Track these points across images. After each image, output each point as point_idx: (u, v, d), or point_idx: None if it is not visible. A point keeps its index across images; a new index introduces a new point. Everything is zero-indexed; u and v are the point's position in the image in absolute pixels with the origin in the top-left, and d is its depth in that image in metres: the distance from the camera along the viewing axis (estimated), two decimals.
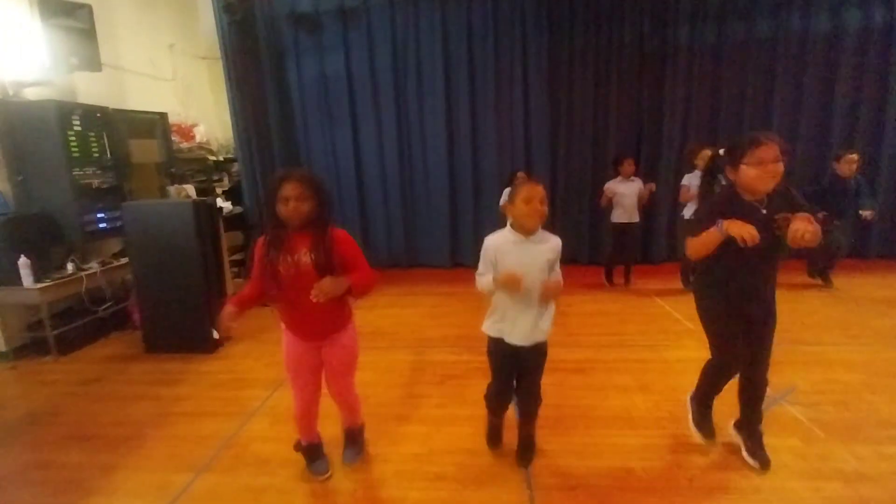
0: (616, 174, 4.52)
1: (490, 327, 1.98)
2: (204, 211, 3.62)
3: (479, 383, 2.11)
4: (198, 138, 5.49)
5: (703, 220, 1.83)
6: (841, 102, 5.05)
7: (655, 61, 5.14)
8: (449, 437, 2.37)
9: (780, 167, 1.73)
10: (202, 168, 5.58)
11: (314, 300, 1.69)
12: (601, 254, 5.36)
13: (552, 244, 1.86)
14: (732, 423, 2.17)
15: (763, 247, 1.67)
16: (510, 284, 1.76)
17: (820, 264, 4.37)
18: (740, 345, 1.96)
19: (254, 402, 2.83)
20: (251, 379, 3.15)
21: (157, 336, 3.63)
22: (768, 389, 2.02)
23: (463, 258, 5.77)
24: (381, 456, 2.25)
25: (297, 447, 2.17)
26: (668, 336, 3.52)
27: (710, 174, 2.26)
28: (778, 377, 2.69)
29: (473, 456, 2.21)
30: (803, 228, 1.59)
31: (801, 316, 3.76)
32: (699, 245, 1.82)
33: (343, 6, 5.32)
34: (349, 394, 2.12)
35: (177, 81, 5.35)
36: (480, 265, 1.92)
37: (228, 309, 1.81)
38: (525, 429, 2.14)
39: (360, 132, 5.69)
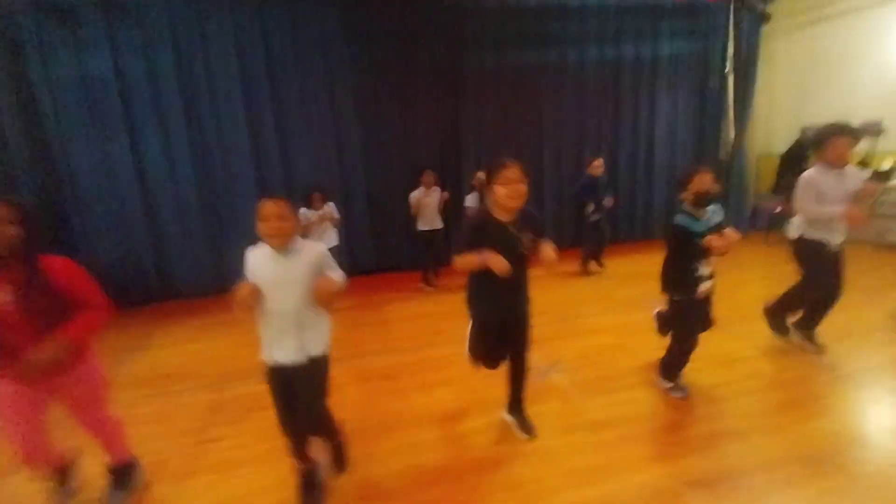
0: (419, 185, 4.82)
1: (263, 353, 1.87)
2: None
3: None
4: None
5: (463, 241, 2.05)
6: (591, 119, 6.28)
7: (452, 80, 5.64)
8: (240, 482, 2.16)
9: (523, 187, 2.01)
10: None
11: (29, 377, 1.52)
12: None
13: (311, 254, 1.81)
14: (504, 409, 2.47)
15: (514, 263, 1.96)
16: (241, 301, 1.68)
17: (590, 253, 5.30)
18: (495, 347, 2.31)
19: None
20: None
21: None
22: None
23: None
24: None
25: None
26: None
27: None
28: (548, 351, 3.19)
29: (266, 494, 2.06)
30: (550, 255, 2.02)
31: (567, 296, 4.54)
32: (464, 264, 2.04)
33: None
34: (103, 427, 1.92)
35: None
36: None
37: None
38: (328, 446, 2.08)
39: (140, 143, 4.90)
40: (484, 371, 2.42)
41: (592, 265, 5.31)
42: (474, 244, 2.02)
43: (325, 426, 2.00)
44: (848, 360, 2.94)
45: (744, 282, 4.65)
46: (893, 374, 2.76)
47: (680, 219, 2.38)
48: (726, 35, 6.20)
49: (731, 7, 5.99)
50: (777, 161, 6.65)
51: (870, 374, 2.77)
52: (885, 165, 5.56)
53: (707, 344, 2.71)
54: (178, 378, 3.31)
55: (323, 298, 1.76)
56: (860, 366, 2.86)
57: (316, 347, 1.86)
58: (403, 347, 3.58)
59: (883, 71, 5.61)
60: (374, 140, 5.55)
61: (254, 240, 1.80)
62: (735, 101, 6.29)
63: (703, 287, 2.43)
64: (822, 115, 6.33)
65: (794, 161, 6.47)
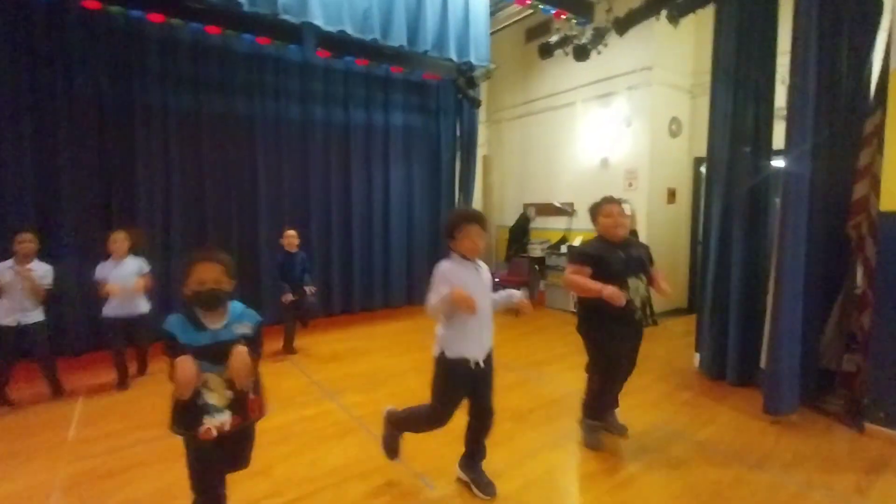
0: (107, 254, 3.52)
1: None
2: None
3: None
4: None
5: None
6: (317, 182, 5.77)
7: (122, 121, 4.54)
8: None
9: None
10: None
11: None
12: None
13: None
14: None
15: None
16: None
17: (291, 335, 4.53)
18: None
19: None
20: None
21: None
22: None
23: None
24: None
25: None
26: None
27: None
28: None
29: None
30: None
31: None
32: None
33: None
34: None
35: None
36: None
37: None
38: None
39: None
40: None
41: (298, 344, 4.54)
42: None
43: None
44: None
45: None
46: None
47: (171, 322, 1.64)
48: (454, 114, 6.56)
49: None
50: (508, 233, 7.21)
51: None
52: (576, 242, 6.31)
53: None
54: None
55: None
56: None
57: None
58: None
59: (573, 159, 6.50)
60: None
61: None
62: (461, 175, 6.60)
63: (210, 423, 1.63)
64: (537, 194, 7.15)
65: (518, 234, 7.07)
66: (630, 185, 5.86)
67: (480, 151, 7.55)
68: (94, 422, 3.08)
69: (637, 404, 3.29)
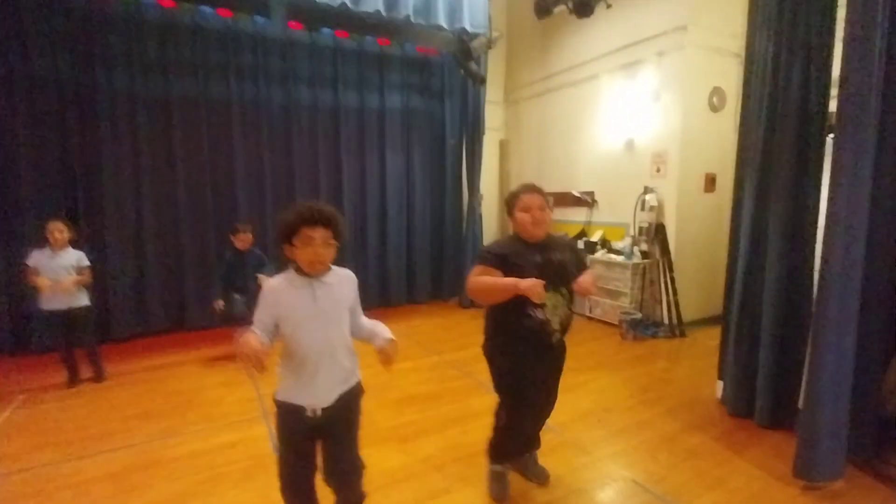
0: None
1: None
2: None
3: None
4: None
5: None
6: (303, 171, 5.36)
7: (85, 106, 4.32)
8: None
9: None
10: None
11: None
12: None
13: None
14: None
15: None
16: None
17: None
18: None
19: None
20: None
21: None
22: None
23: None
24: None
25: None
26: None
27: None
28: None
29: None
30: None
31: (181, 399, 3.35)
32: None
33: None
34: None
35: None
36: None
37: None
38: None
39: None
40: None
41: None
42: None
43: None
44: None
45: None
46: None
47: None
48: (461, 94, 5.91)
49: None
50: None
51: None
52: (595, 238, 5.52)
53: None
54: None
55: None
56: None
57: None
58: None
59: (595, 142, 5.67)
60: None
61: None
62: (466, 163, 5.96)
63: None
64: (555, 182, 6.36)
65: None
66: (658, 170, 4.98)
67: (497, 135, 6.89)
68: (9, 435, 2.87)
69: (622, 450, 2.62)
